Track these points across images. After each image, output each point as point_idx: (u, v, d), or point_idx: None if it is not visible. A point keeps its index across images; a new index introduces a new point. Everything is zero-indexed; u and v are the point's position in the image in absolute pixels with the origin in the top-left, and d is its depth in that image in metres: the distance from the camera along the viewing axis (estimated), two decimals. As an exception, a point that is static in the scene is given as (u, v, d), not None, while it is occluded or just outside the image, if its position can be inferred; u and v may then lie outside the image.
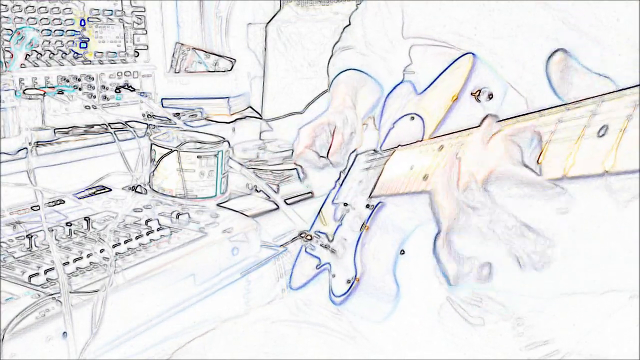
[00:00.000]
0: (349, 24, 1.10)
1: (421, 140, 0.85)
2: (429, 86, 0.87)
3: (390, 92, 0.97)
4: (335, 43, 1.11)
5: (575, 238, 0.67)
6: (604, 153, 0.56)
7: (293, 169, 1.05)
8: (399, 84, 0.95)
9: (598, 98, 0.60)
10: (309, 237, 0.99)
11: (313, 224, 1.04)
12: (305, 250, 1.00)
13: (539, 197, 0.64)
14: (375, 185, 0.92)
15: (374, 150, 0.97)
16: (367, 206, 0.92)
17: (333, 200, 1.01)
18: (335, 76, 1.05)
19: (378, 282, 0.87)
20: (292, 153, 1.01)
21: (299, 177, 1.00)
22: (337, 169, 0.98)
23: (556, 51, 0.68)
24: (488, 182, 0.67)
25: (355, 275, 0.88)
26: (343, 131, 0.97)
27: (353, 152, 0.99)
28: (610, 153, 0.55)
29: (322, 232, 0.99)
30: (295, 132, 1.60)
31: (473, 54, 0.80)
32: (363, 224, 0.91)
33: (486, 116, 0.72)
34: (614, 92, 0.58)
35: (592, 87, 0.65)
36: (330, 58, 1.11)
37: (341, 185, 1.00)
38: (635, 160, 0.54)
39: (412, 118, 0.88)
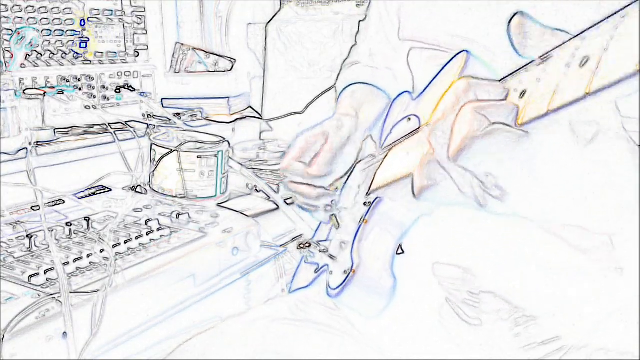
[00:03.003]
0: (355, 44, 1.11)
1: (416, 129, 0.86)
2: (425, 89, 0.88)
3: (395, 99, 0.98)
4: (344, 61, 1.12)
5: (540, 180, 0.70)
6: (585, 79, 0.58)
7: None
8: (402, 93, 0.96)
9: (579, 36, 0.62)
10: (307, 245, 0.99)
11: (316, 230, 1.05)
12: (306, 261, 1.01)
13: (508, 145, 0.67)
14: (372, 183, 0.92)
15: (372, 155, 0.97)
16: (365, 204, 0.92)
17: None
18: (342, 90, 1.06)
19: (375, 276, 0.88)
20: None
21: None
22: (319, 181, 0.98)
23: (515, 14, 0.70)
24: (457, 152, 0.70)
25: (352, 267, 0.89)
26: (334, 139, 0.97)
27: (360, 162, 0.99)
28: (592, 78, 0.57)
29: (320, 240, 1.00)
30: (295, 132, 1.60)
31: (467, 51, 0.81)
32: (362, 217, 0.91)
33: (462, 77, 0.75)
34: (593, 26, 0.61)
35: (548, 42, 0.67)
36: (338, 75, 1.12)
37: (342, 190, 1.01)
38: (612, 76, 0.55)
39: (409, 119, 0.89)
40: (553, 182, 0.70)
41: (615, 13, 0.59)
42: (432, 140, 0.75)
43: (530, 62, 0.69)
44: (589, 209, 0.71)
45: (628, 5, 0.57)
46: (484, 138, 0.69)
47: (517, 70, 0.71)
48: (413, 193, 0.78)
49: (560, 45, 0.65)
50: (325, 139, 0.98)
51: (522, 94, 0.68)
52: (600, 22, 0.60)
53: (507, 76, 0.73)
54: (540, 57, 0.67)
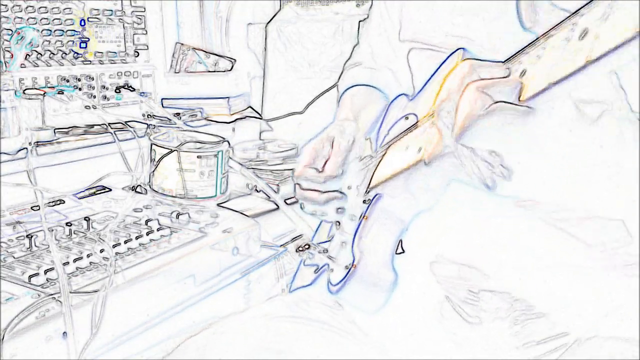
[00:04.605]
0: (358, 43, 1.12)
1: (414, 124, 0.86)
2: (421, 89, 0.88)
3: (392, 102, 0.98)
4: (346, 61, 1.13)
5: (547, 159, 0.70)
6: (586, 49, 0.59)
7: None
8: (399, 96, 0.97)
9: (577, 13, 0.63)
10: (306, 247, 1.00)
11: (316, 230, 1.05)
12: (305, 264, 1.01)
13: (514, 122, 0.67)
14: (371, 181, 0.93)
15: (370, 156, 0.97)
16: (364, 201, 0.93)
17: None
18: (343, 92, 1.07)
19: (375, 271, 0.88)
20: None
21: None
22: (332, 183, 0.98)
23: None
24: (460, 132, 0.70)
25: (353, 262, 0.89)
26: (340, 141, 0.98)
27: (363, 159, 0.99)
28: (592, 47, 0.57)
29: (320, 242, 1.00)
30: (295, 132, 1.60)
31: (464, 48, 0.81)
32: (362, 214, 0.91)
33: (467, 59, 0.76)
34: (590, 1, 0.61)
35: (554, 19, 0.68)
36: (340, 75, 1.12)
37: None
38: (612, 42, 0.56)
39: (407, 118, 0.89)
40: (557, 162, 0.70)
41: None
42: (438, 122, 0.75)
43: (530, 44, 0.69)
44: (595, 190, 0.71)
45: None
46: (488, 117, 0.69)
47: (516, 53, 0.71)
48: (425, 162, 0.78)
49: (559, 24, 0.65)
50: (331, 143, 0.98)
51: (522, 73, 0.68)
52: None
53: (508, 59, 0.73)
54: (538, 38, 0.68)
